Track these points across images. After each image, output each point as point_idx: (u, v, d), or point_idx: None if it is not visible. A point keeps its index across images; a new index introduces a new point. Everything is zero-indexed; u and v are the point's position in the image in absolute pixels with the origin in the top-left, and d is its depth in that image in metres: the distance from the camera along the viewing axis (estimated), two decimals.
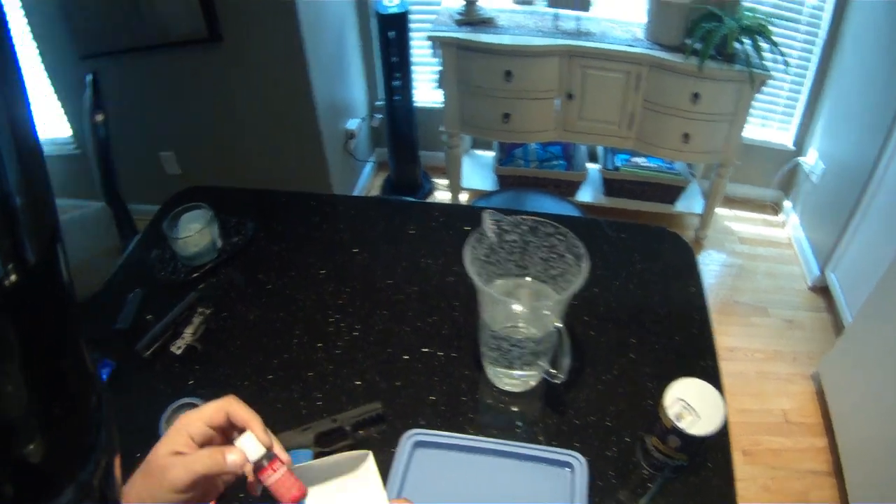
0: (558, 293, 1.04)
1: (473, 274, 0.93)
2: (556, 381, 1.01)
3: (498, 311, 1.02)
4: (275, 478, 0.63)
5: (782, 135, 3.10)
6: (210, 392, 1.18)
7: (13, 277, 0.31)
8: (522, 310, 1.03)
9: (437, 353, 1.22)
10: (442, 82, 2.69)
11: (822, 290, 2.80)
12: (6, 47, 0.32)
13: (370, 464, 0.69)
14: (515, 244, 1.04)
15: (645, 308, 1.30)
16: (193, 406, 1.12)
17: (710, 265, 3.00)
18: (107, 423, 0.41)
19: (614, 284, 1.34)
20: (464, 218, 1.56)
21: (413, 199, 2.15)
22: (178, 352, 1.27)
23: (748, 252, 3.06)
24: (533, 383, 1.12)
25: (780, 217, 3.22)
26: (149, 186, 3.02)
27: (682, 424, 0.90)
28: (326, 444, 1.08)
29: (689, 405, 0.92)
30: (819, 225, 2.87)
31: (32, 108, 0.35)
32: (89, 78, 2.05)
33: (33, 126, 0.35)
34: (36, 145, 0.36)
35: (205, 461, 0.61)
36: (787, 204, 3.20)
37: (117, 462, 0.42)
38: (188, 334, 1.30)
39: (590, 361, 1.17)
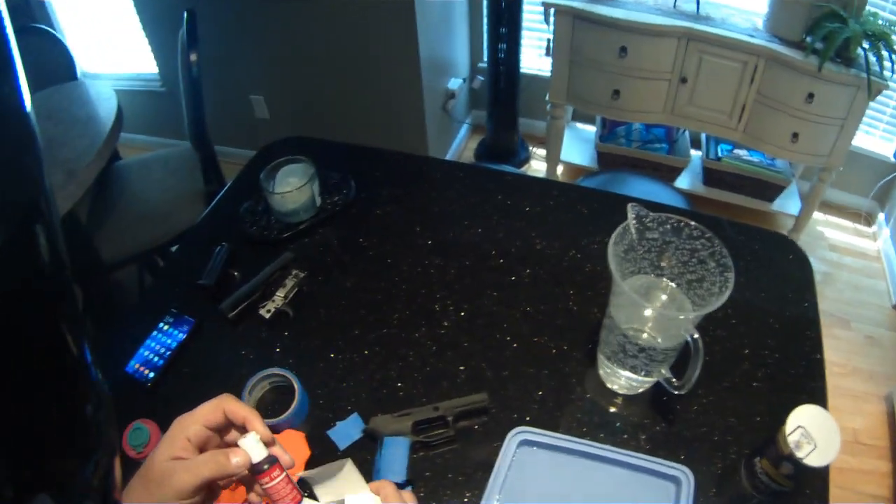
0: (692, 300, 0.99)
1: (616, 271, 0.89)
2: (677, 391, 0.97)
3: (630, 311, 0.97)
4: (271, 484, 0.63)
5: (885, 145, 2.96)
6: (297, 364, 1.14)
7: None
8: (653, 314, 0.98)
9: (549, 344, 1.16)
10: (552, 51, 2.61)
11: None
12: None
13: (350, 467, 0.69)
14: (655, 242, 0.99)
15: (760, 318, 1.23)
16: (279, 377, 1.08)
17: None
18: (107, 424, 0.40)
19: (734, 289, 1.28)
20: (582, 200, 1.46)
21: (524, 174, 2.10)
22: (268, 315, 1.19)
23: (836, 260, 2.95)
24: (641, 390, 1.09)
25: (873, 229, 3.09)
26: (235, 129, 3.03)
27: (800, 453, 0.87)
28: (423, 432, 1.03)
29: (809, 434, 0.89)
30: None
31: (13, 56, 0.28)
32: (185, 15, 2.02)
33: (6, 76, 0.29)
34: (4, 99, 0.30)
35: (210, 465, 0.60)
36: (881, 216, 3.07)
37: (117, 462, 0.42)
38: (279, 297, 1.21)
39: (703, 370, 1.12)
